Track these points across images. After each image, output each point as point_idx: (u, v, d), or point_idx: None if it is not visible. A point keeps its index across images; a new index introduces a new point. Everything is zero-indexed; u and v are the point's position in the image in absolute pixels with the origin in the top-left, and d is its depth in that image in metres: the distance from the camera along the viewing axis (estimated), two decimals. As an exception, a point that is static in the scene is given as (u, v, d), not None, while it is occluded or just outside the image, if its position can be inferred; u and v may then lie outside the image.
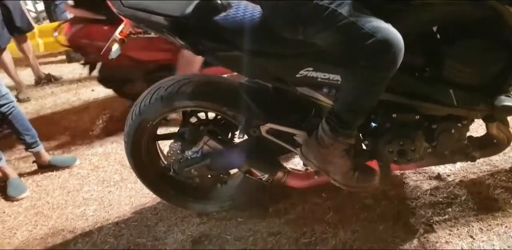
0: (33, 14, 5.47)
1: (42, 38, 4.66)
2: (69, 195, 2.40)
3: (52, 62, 4.67)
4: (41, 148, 2.66)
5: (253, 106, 1.55)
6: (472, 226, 1.63)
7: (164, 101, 1.64)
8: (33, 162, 2.71)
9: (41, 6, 5.70)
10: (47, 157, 2.68)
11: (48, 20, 5.43)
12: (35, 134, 2.65)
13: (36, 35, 4.65)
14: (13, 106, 2.50)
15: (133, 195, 2.23)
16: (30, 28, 3.51)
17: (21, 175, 2.62)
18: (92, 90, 3.76)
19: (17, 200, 2.43)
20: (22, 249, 2.04)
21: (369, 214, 1.78)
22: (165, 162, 1.89)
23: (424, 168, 1.87)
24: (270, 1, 1.35)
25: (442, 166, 1.90)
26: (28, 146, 2.62)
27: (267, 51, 1.41)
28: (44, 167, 2.68)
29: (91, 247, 1.94)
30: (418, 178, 1.92)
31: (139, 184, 2.05)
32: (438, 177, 1.90)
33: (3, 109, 2.47)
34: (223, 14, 1.44)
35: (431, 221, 1.68)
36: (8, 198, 2.45)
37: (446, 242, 1.59)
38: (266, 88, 1.54)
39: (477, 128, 1.95)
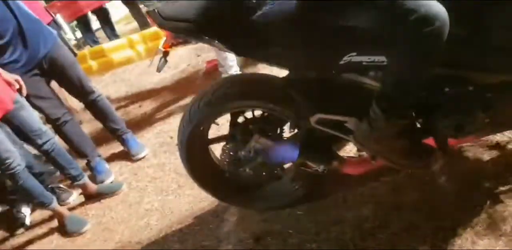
0: (74, 42, 5.77)
1: (95, 59, 4.92)
2: (131, 208, 2.49)
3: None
4: (86, 178, 2.66)
5: (299, 98, 1.56)
6: (539, 193, 1.57)
7: (212, 106, 1.68)
8: (80, 194, 2.74)
9: (79, 34, 6.00)
10: (93, 186, 2.69)
11: (88, 46, 5.71)
12: (78, 165, 2.66)
13: (88, 57, 4.90)
14: (54, 143, 2.50)
15: (191, 201, 2.28)
16: (73, 55, 3.69)
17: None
18: (140, 106, 3.88)
19: (80, 234, 2.44)
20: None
21: (431, 192, 1.74)
22: (220, 165, 1.94)
23: (482, 138, 1.82)
24: None
25: (499, 134, 1.82)
26: (74, 179, 2.62)
27: (308, 42, 1.42)
28: (93, 197, 2.69)
29: (159, 255, 1.99)
30: (477, 149, 1.85)
31: (197, 190, 2.10)
32: (497, 145, 1.83)
33: (46, 146, 2.47)
34: (260, 12, 1.47)
35: (497, 191, 1.63)
36: (70, 235, 2.46)
37: (515, 210, 1.53)
38: (310, 79, 1.55)
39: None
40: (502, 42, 1.31)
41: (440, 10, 1.19)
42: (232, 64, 3.13)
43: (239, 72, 3.19)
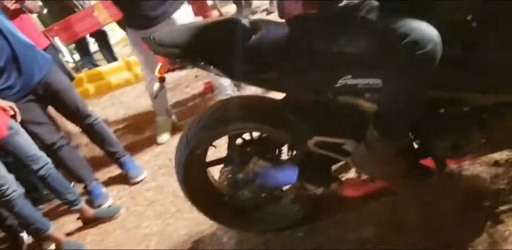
0: (72, 65, 5.80)
1: (92, 82, 4.92)
2: (129, 232, 2.45)
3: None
4: (83, 203, 2.63)
5: (297, 121, 1.56)
6: (541, 211, 1.56)
7: (209, 128, 1.68)
8: (78, 219, 2.71)
9: (78, 56, 6.04)
10: (90, 211, 2.66)
11: (86, 68, 5.74)
12: (75, 190, 2.64)
13: (85, 81, 4.92)
14: (50, 168, 2.47)
15: (190, 224, 2.25)
16: (71, 78, 3.72)
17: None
18: (138, 128, 3.86)
19: None
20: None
21: (431, 212, 1.73)
22: (218, 187, 1.92)
23: (481, 157, 1.82)
24: (300, 18, 1.39)
25: (498, 152, 1.80)
26: (71, 204, 2.58)
27: (303, 66, 1.44)
28: (90, 222, 2.65)
29: (156, 280, 1.96)
30: (476, 168, 1.84)
31: (195, 213, 2.06)
32: (496, 163, 1.82)
33: (42, 172, 2.44)
34: (254, 37, 1.49)
35: (497, 211, 1.61)
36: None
37: (516, 229, 1.52)
38: (307, 102, 1.56)
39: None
40: (496, 63, 1.32)
41: (432, 33, 1.21)
42: (226, 84, 3.15)
43: (236, 93, 3.22)
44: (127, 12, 3.01)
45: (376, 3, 1.29)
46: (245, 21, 1.56)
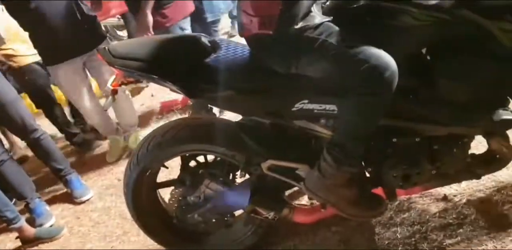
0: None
1: None
2: (71, 255, 2.31)
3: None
4: (23, 221, 2.48)
5: (252, 144, 1.54)
6: (486, 245, 1.59)
7: (161, 148, 1.63)
8: (17, 238, 2.54)
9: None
10: (31, 230, 2.51)
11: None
12: (14, 207, 2.50)
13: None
14: None
15: (137, 248, 2.16)
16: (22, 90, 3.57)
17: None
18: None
19: None
20: None
21: (381, 243, 1.73)
22: (168, 210, 1.86)
23: (430, 190, 1.85)
24: (259, 38, 1.38)
25: (447, 187, 1.86)
26: (10, 222, 2.44)
27: (261, 87, 1.43)
28: (30, 242, 2.49)
29: None
30: (425, 201, 1.88)
31: (142, 236, 2.00)
32: (445, 198, 1.87)
33: None
34: (213, 55, 1.47)
35: (444, 244, 1.64)
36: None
37: (462, 264, 1.54)
38: (263, 124, 1.55)
39: (477, 145, 1.95)
40: (448, 96, 1.36)
41: (390, 61, 1.23)
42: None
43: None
44: (50, 45, 2.81)
45: (337, 28, 1.30)
46: (205, 39, 1.55)
